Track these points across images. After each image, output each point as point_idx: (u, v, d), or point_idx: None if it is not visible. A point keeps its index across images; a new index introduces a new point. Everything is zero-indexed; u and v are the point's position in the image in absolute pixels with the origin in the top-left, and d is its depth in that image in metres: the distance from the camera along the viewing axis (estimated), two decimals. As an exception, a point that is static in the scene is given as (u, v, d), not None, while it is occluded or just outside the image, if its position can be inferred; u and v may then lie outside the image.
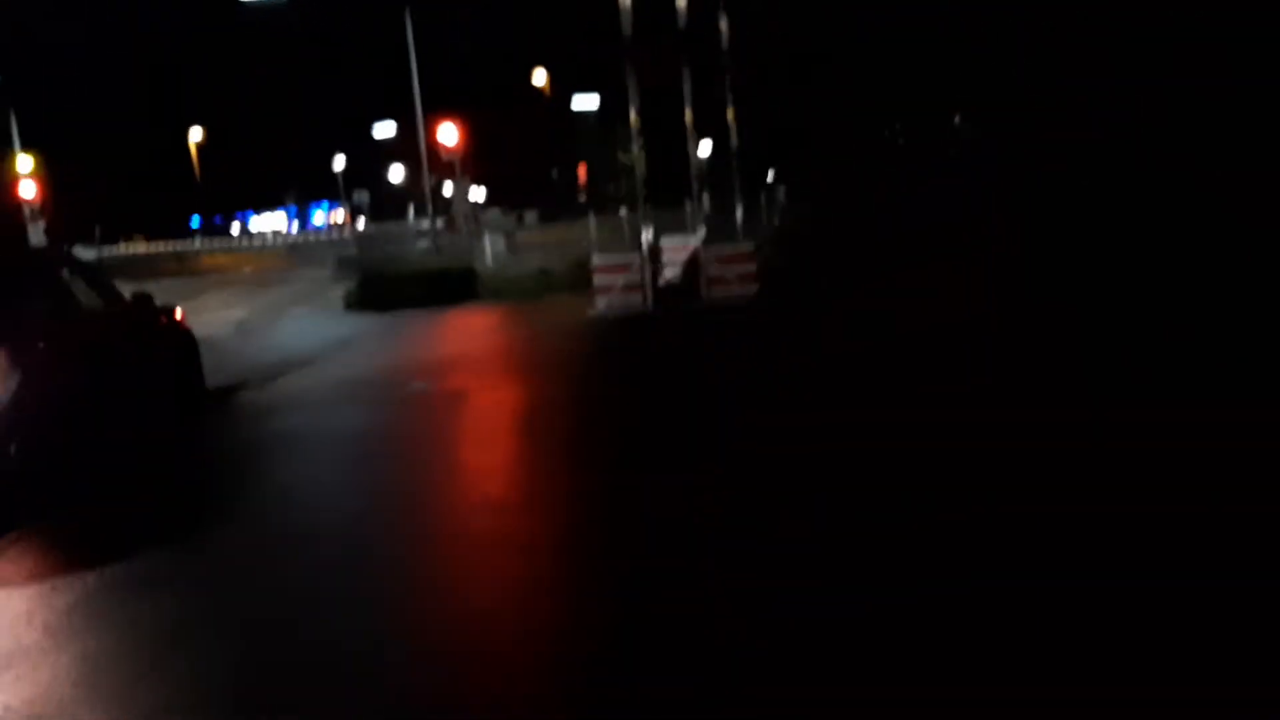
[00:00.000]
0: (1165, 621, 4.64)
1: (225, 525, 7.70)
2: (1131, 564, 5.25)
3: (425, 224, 31.71)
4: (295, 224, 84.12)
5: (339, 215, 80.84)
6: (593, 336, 14.92)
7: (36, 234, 36.53)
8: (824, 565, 5.63)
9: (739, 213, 18.57)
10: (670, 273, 16.29)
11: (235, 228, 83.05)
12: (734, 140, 18.89)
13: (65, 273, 10.84)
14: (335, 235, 46.48)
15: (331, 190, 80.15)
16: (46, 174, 38.15)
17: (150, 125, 56.90)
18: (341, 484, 8.62)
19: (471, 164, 38.55)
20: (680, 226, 22.59)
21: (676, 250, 17.90)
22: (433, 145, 30.36)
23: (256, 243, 54.75)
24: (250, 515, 7.90)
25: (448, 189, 29.38)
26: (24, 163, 36.38)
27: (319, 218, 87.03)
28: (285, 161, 70.14)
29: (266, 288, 33.34)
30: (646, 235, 16.23)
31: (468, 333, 17.88)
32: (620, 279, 15.75)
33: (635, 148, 16.76)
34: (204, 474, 9.54)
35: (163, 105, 56.80)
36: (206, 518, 7.97)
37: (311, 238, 51.54)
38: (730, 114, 18.21)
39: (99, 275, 11.55)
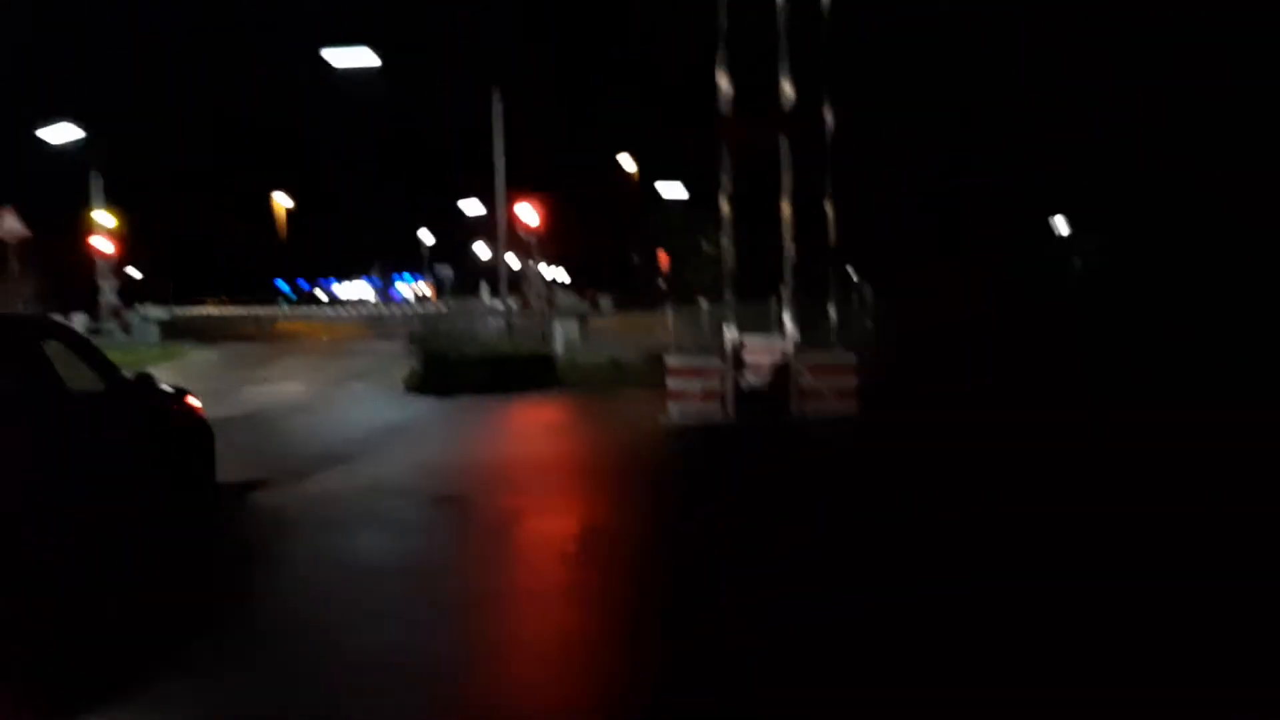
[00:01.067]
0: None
1: (176, 681, 5.72)
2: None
3: (499, 303, 30.00)
4: (378, 294, 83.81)
5: (424, 288, 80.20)
6: (664, 450, 12.84)
7: (109, 290, 35.77)
8: None
9: (832, 315, 16.47)
10: (754, 378, 14.18)
11: (320, 294, 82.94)
12: (831, 234, 16.82)
13: (48, 346, 9.03)
14: (415, 309, 45.21)
15: (417, 263, 79.71)
16: (127, 232, 37.50)
17: (238, 187, 56.60)
18: (327, 648, 6.56)
19: (550, 244, 37.05)
20: (763, 323, 20.58)
21: (761, 352, 15.81)
22: (513, 223, 28.83)
23: (338, 311, 53.80)
24: (207, 672, 5.91)
25: (521, 267, 27.80)
26: (104, 219, 35.75)
27: (403, 289, 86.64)
28: (372, 231, 69.68)
29: (335, 359, 31.85)
30: (730, 334, 14.18)
31: (526, 431, 15.91)
32: (698, 384, 13.70)
33: (723, 238, 14.80)
34: (180, 604, 7.55)
35: (251, 168, 56.48)
36: (158, 671, 5.98)
37: (392, 310, 50.36)
38: (830, 207, 16.17)
39: (94, 350, 9.75)
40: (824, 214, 17.30)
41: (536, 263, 27.24)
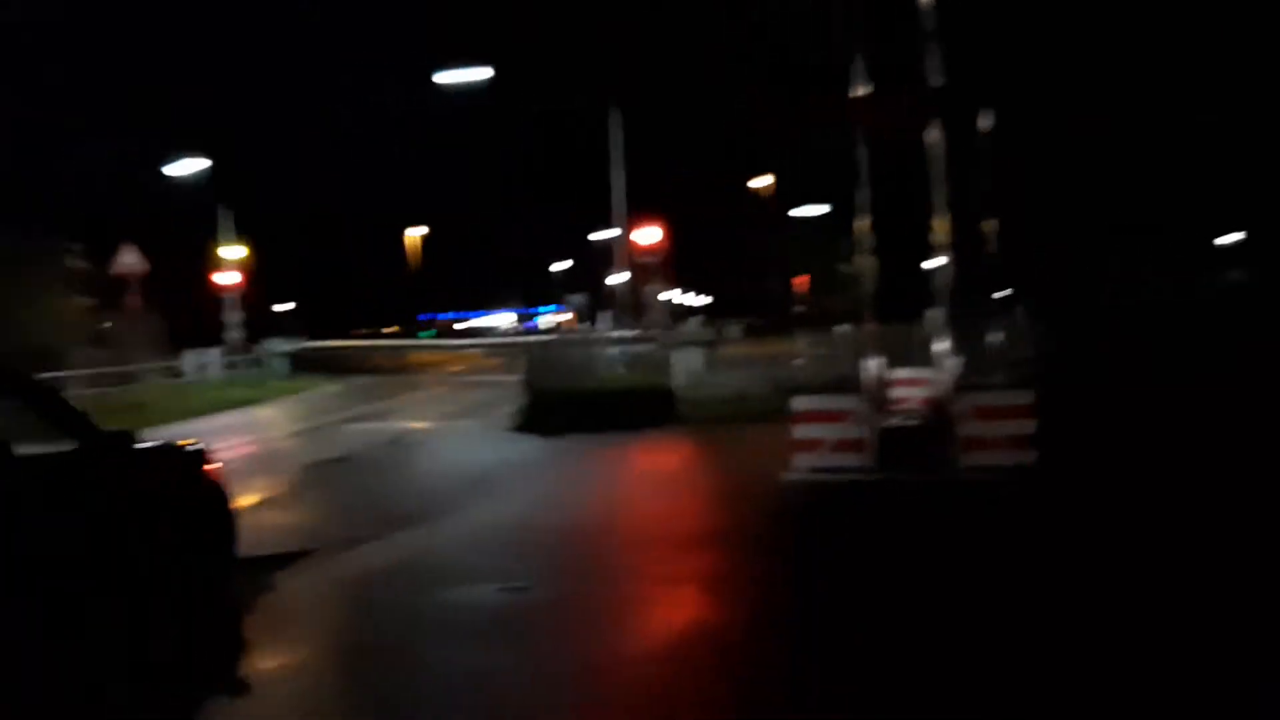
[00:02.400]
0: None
1: None
2: None
3: (618, 332, 27.54)
4: (519, 325, 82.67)
5: (566, 318, 78.68)
6: (788, 515, 9.97)
7: (234, 324, 34.70)
8: None
9: (992, 340, 13.47)
10: (901, 420, 11.22)
11: (461, 325, 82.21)
12: (990, 244, 13.82)
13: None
14: (541, 340, 43.34)
15: (554, 293, 78.25)
16: (256, 266, 36.50)
17: (371, 219, 55.90)
18: None
19: (676, 269, 34.52)
20: (907, 351, 17.57)
21: (910, 388, 12.87)
22: (633, 247, 26.44)
23: (471, 342, 52.31)
24: None
25: (642, 293, 25.36)
26: (232, 252, 34.75)
27: (545, 320, 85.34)
28: (510, 261, 68.31)
29: (454, 392, 29.92)
30: (872, 367, 11.27)
31: (628, 483, 13.28)
32: (832, 431, 10.79)
33: (859, 254, 11.94)
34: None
35: (385, 199, 55.72)
36: None
37: (522, 340, 48.65)
38: (988, 225, 13.18)
39: (58, 403, 7.48)
40: (977, 225, 14.31)
41: (658, 288, 24.73)
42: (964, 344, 16.97)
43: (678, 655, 6.29)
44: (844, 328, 27.11)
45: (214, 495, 8.32)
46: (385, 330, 62.18)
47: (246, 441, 20.64)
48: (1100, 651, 5.72)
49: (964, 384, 10.99)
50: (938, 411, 10.61)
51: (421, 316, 72.96)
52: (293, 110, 56.26)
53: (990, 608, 6.69)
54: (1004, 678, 5.47)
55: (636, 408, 19.16)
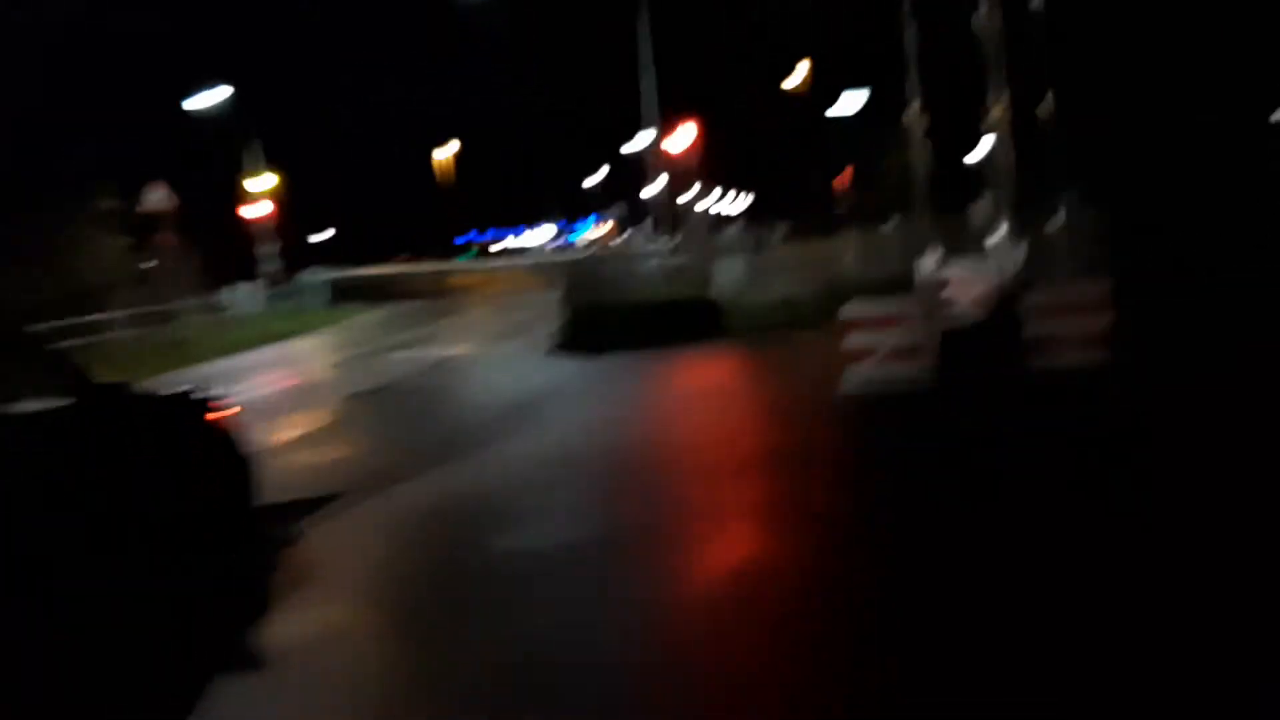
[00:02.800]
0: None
1: None
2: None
3: (657, 244, 26.69)
4: (561, 240, 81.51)
5: (607, 228, 77.32)
6: (845, 433, 9.23)
7: (268, 256, 34.23)
8: None
9: (1054, 230, 12.52)
10: (961, 321, 10.36)
11: (501, 244, 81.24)
12: (1047, 132, 12.81)
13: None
14: (578, 255, 42.42)
15: (599, 203, 76.94)
16: (288, 194, 35.86)
17: (400, 140, 54.80)
18: None
19: (713, 172, 33.41)
20: (959, 246, 16.60)
21: (969, 285, 11.98)
22: (665, 152, 25.42)
23: (510, 262, 51.61)
24: None
25: (680, 199, 24.37)
26: (262, 183, 34.11)
27: (586, 233, 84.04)
28: (547, 175, 67.06)
29: (494, 314, 29.34)
30: (928, 264, 10.41)
31: (673, 404, 12.59)
32: (887, 338, 9.97)
33: (912, 133, 10.96)
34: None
35: (413, 119, 54.42)
36: None
37: (561, 257, 47.77)
38: (1050, 99, 12.21)
39: (49, 356, 6.90)
40: (1033, 110, 13.31)
41: (694, 195, 23.77)
42: (1021, 234, 16.02)
43: (740, 606, 5.65)
44: (891, 223, 26.13)
45: (224, 445, 7.74)
46: (427, 254, 61.65)
47: (286, 375, 20.28)
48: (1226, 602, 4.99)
49: (1027, 277, 10.07)
50: (1001, 309, 9.77)
51: (459, 239, 72.20)
52: (316, 31, 55.05)
53: (1077, 544, 5.96)
54: (1110, 639, 4.76)
55: (679, 321, 18.46)
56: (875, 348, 9.90)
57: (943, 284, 10.79)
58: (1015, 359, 9.44)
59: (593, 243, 66.08)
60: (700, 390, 13.30)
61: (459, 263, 51.09)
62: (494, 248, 74.20)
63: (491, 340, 22.31)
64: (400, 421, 13.57)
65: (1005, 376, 9.22)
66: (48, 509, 6.29)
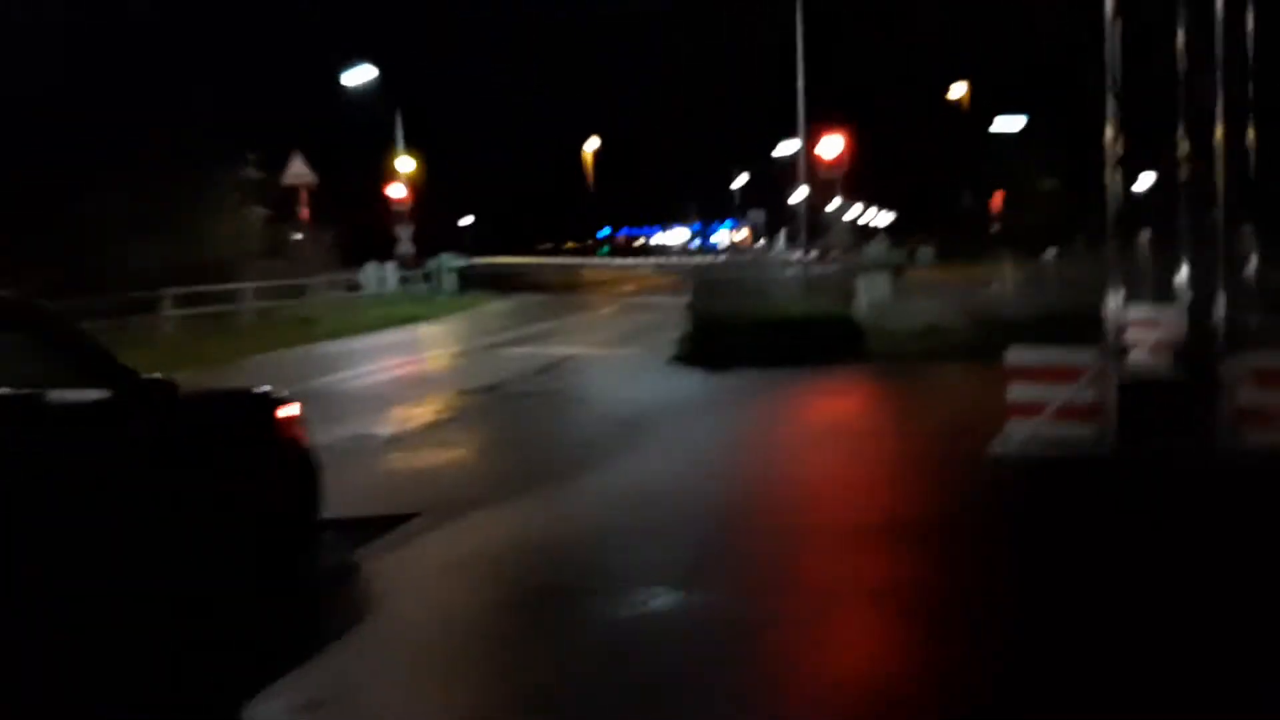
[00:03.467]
0: None
1: None
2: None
3: (796, 253, 25.24)
4: (698, 242, 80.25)
5: (743, 234, 75.77)
6: (1001, 505, 7.71)
7: (405, 238, 33.88)
8: None
9: (1253, 271, 10.77)
10: (1142, 368, 8.73)
11: (641, 241, 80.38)
12: (1253, 158, 11.04)
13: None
14: (714, 259, 41.08)
15: (737, 209, 75.36)
16: (426, 178, 35.49)
17: (544, 133, 54.18)
18: None
19: (863, 185, 31.75)
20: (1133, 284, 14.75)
21: (1150, 329, 10.34)
22: (814, 160, 23.94)
23: (645, 261, 50.59)
24: None
25: (825, 210, 22.79)
26: (404, 163, 33.80)
27: (722, 236, 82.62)
28: (687, 176, 65.74)
29: (621, 314, 28.31)
30: (1113, 306, 8.81)
31: (798, 440, 11.19)
32: (1058, 393, 8.40)
33: (1106, 168, 9.34)
34: None
35: (558, 113, 53.80)
36: None
37: (697, 260, 46.56)
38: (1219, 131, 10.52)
39: (81, 342, 5.97)
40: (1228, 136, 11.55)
41: (841, 205, 22.29)
42: (1203, 275, 14.05)
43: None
44: (1050, 253, 24.15)
45: (287, 452, 6.72)
46: (566, 246, 61.18)
47: (402, 362, 19.55)
48: None
49: (1230, 329, 8.37)
50: (1199, 366, 8.13)
51: (600, 234, 71.60)
52: (466, 17, 54.84)
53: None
54: None
55: (813, 340, 17.01)
56: (1044, 402, 8.38)
57: (1124, 329, 9.16)
58: (1216, 431, 7.83)
59: (729, 248, 64.67)
60: (829, 425, 11.89)
61: (593, 258, 50.29)
62: (637, 244, 73.41)
63: (612, 342, 21.24)
64: (503, 428, 12.57)
65: (1202, 452, 7.63)
66: (62, 518, 5.37)
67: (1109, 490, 7.54)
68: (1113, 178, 9.03)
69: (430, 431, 12.07)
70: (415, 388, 16.22)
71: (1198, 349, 8.34)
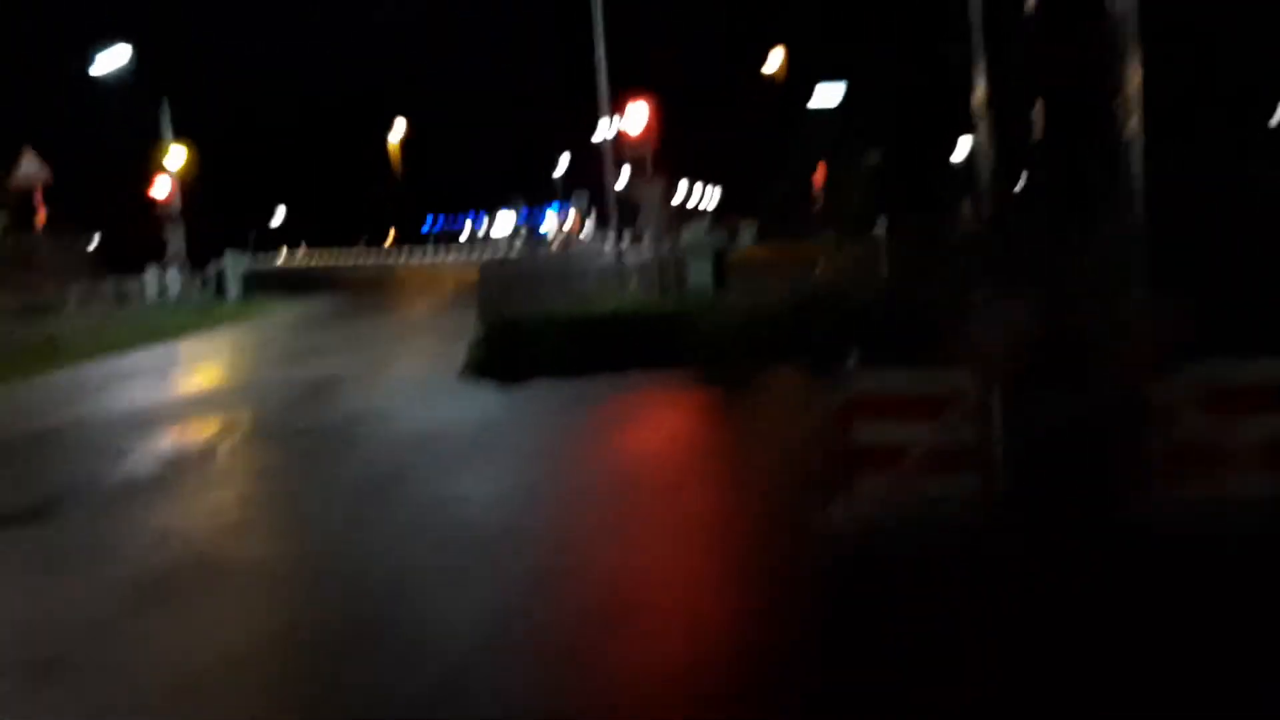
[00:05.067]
0: None
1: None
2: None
3: (608, 241, 22.60)
4: (525, 229, 76.47)
5: (571, 220, 72.51)
6: (832, 626, 5.07)
7: (175, 240, 29.75)
8: None
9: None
10: (1045, 406, 6.24)
11: (466, 233, 76.21)
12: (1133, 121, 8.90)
13: None
14: (523, 251, 37.84)
15: (560, 192, 72.15)
16: (205, 171, 31.32)
17: (341, 119, 49.58)
18: None
19: (676, 162, 29.35)
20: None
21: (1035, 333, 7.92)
22: (625, 139, 21.25)
23: (464, 255, 46.89)
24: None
25: (634, 189, 20.14)
26: (174, 157, 29.56)
27: (550, 222, 79.12)
28: (506, 159, 61.94)
29: (420, 319, 24.94)
30: (999, 308, 6.29)
31: (587, 487, 8.41)
32: (921, 434, 5.76)
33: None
34: None
35: (356, 90, 49.07)
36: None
37: (515, 252, 43.24)
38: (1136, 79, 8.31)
39: None
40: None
41: (654, 185, 19.73)
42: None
43: None
44: (880, 224, 22.10)
45: None
46: (387, 242, 56.96)
47: (132, 390, 15.93)
48: None
49: (1162, 333, 5.94)
50: (1120, 388, 5.65)
51: (425, 228, 67.22)
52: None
53: None
54: None
55: (624, 341, 14.35)
56: (902, 445, 5.80)
57: (1011, 331, 6.60)
58: (1135, 482, 5.41)
59: (556, 235, 61.53)
60: (627, 473, 8.99)
61: (414, 254, 46.25)
62: (461, 238, 69.25)
63: (399, 355, 18.15)
64: (178, 502, 9.29)
65: (1126, 520, 5.19)
66: None
67: (994, 584, 5.01)
68: (982, 141, 6.52)
69: (86, 514, 8.81)
70: (110, 432, 12.67)
71: (1124, 361, 5.86)
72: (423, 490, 8.66)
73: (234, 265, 30.71)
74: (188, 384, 16.99)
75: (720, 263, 19.84)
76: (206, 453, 10.93)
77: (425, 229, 69.20)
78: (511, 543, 6.91)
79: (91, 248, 27.20)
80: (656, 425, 10.89)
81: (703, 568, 6.06)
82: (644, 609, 5.48)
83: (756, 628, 5.10)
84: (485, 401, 12.81)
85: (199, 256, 30.88)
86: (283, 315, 26.84)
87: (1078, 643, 4.51)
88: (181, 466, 10.23)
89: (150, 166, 29.38)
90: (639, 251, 20.85)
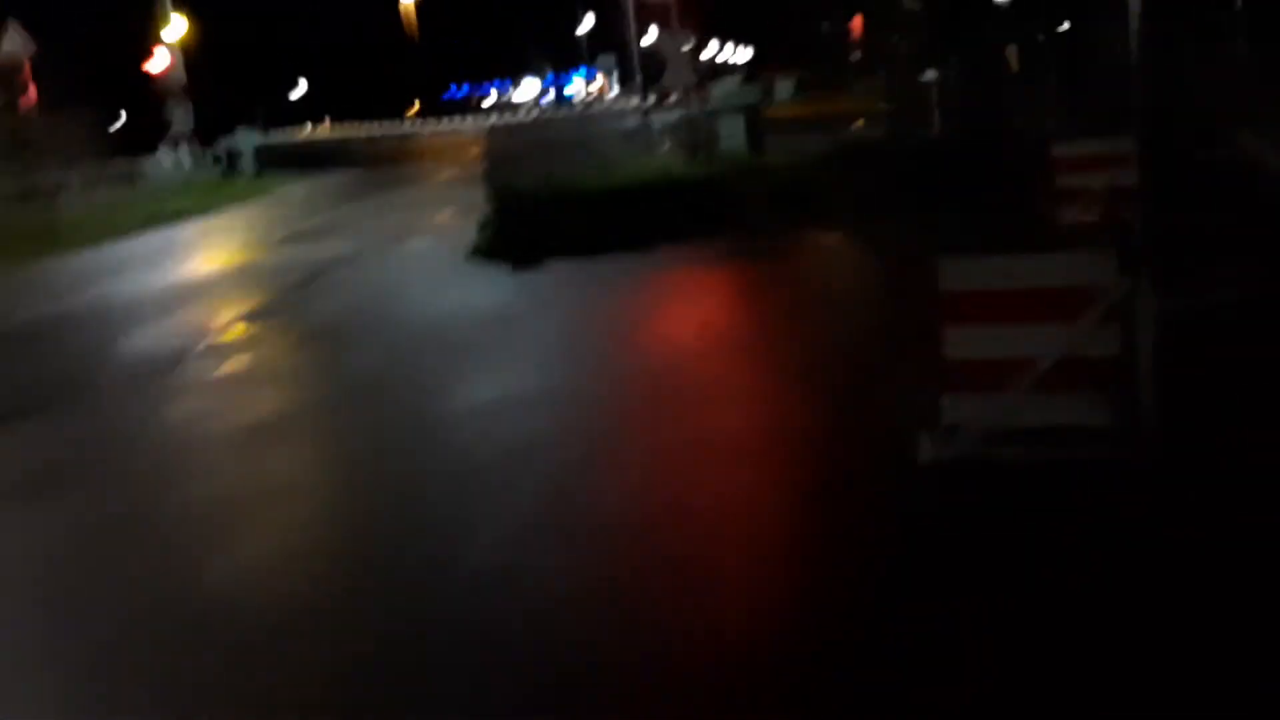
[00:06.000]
0: None
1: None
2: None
3: (633, 100, 20.71)
4: (550, 94, 73.54)
5: (598, 84, 69.38)
6: (944, 589, 3.70)
7: (183, 117, 28.03)
8: None
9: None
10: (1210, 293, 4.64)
11: (493, 99, 73.37)
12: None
13: None
14: (550, 115, 35.48)
15: (586, 56, 68.90)
16: (211, 45, 29.38)
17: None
18: None
19: (706, 16, 26.99)
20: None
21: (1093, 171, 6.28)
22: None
23: (484, 123, 44.49)
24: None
25: (659, 42, 18.09)
26: (173, 29, 27.62)
27: (577, 87, 75.87)
28: (530, 22, 58.81)
29: (434, 193, 23.17)
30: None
31: (607, 394, 6.92)
32: (1039, 340, 4.27)
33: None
34: None
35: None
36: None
37: (546, 115, 40.93)
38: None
39: None
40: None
41: (680, 38, 17.72)
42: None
43: None
44: (929, 74, 20.03)
45: None
46: (410, 113, 54.67)
47: (127, 282, 14.60)
48: None
49: None
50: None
51: (447, 95, 64.62)
52: None
53: None
54: None
55: (653, 213, 12.75)
56: (1013, 360, 4.24)
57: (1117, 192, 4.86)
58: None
59: (582, 99, 58.84)
60: (651, 383, 7.46)
61: (421, 126, 44.05)
62: (481, 104, 66.48)
63: (409, 232, 16.63)
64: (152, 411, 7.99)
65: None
66: None
67: (1139, 551, 3.54)
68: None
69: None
70: (97, 336, 11.40)
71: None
72: (423, 398, 7.28)
73: (246, 142, 29.05)
74: (184, 270, 15.59)
75: (755, 121, 18.00)
76: (192, 353, 9.57)
77: (448, 96, 66.62)
78: (519, 472, 5.52)
79: (115, 128, 25.61)
80: (689, 312, 9.35)
81: (746, 519, 4.63)
82: (690, 555, 4.09)
83: (812, 606, 3.69)
84: (495, 286, 11.33)
85: (210, 134, 29.22)
86: (294, 192, 25.28)
87: (1263, 644, 3.08)
88: (158, 373, 8.89)
89: (148, 41, 27.53)
90: (666, 112, 18.95)
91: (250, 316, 10.99)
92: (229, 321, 10.82)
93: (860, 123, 20.06)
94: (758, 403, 6.30)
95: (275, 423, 7.05)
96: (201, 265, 16.19)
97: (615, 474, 5.33)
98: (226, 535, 5.11)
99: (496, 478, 5.42)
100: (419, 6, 49.13)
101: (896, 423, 4.82)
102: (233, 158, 28.89)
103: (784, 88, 32.74)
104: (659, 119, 18.59)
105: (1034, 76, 21.41)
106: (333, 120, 47.79)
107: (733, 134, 16.82)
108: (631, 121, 19.08)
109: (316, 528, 5.24)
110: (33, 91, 22.08)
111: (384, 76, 50.08)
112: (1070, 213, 7.86)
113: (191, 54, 28.31)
